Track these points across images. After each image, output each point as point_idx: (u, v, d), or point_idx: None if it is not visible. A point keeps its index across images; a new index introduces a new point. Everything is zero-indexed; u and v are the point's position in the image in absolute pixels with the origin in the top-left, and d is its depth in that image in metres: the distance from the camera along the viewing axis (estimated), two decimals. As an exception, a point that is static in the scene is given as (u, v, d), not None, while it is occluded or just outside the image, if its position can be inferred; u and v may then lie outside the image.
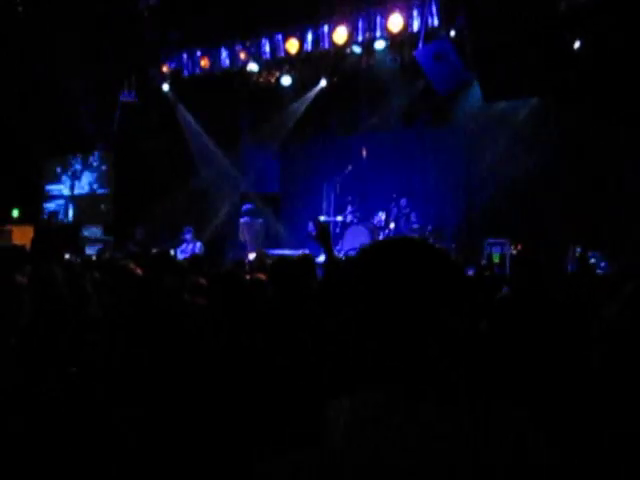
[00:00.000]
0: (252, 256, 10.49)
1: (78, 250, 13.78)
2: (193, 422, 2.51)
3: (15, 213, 17.73)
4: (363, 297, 1.29)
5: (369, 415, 1.22)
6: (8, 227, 16.87)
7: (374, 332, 1.27)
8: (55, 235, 14.98)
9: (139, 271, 5.77)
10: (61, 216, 17.91)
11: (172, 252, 13.53)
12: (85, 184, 18.06)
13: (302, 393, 2.75)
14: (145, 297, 3.26)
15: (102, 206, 17.62)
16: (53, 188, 18.43)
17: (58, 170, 18.34)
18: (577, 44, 11.07)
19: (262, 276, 4.49)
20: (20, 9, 13.93)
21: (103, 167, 17.64)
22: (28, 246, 13.81)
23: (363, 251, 1.39)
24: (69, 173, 18.23)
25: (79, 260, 9.21)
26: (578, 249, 9.81)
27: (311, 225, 13.51)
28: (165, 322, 2.87)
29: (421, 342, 1.25)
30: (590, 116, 11.55)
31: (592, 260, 10.36)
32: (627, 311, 3.09)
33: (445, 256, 1.35)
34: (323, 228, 4.39)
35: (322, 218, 13.62)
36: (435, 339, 1.25)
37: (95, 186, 17.91)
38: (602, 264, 10.31)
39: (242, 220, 14.45)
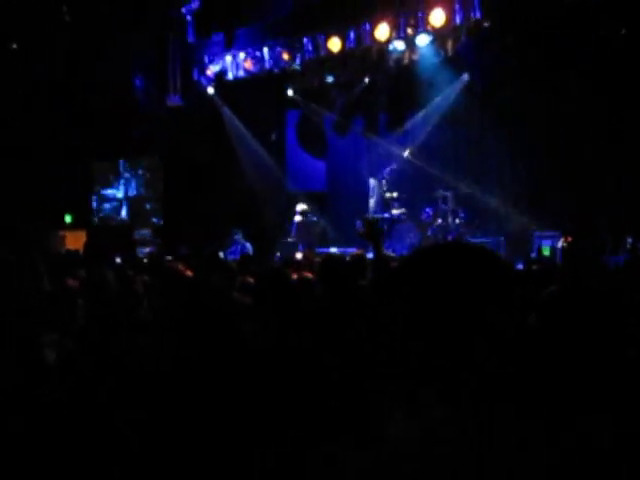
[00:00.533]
0: (300, 255, 10.53)
1: (131, 253, 14.00)
2: (244, 422, 2.55)
3: (68, 219, 18.09)
4: (410, 297, 1.31)
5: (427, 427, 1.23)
6: (61, 232, 17.24)
7: (420, 332, 1.28)
8: (108, 238, 15.27)
9: (188, 273, 5.88)
10: (114, 218, 18.25)
11: (221, 254, 13.67)
12: (135, 187, 18.35)
13: (350, 393, 2.78)
14: (194, 298, 3.32)
15: (149, 208, 17.87)
16: (105, 192, 18.75)
17: (109, 174, 18.66)
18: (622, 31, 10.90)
19: (309, 275, 4.53)
20: (67, 18, 14.20)
21: (152, 170, 17.89)
22: (81, 250, 14.11)
23: (413, 253, 1.42)
24: (120, 177, 18.54)
25: (131, 263, 9.35)
26: (630, 239, 9.64)
27: (359, 223, 13.54)
28: (214, 322, 2.92)
29: (468, 342, 1.26)
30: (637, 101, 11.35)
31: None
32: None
33: (494, 257, 1.36)
34: (372, 225, 4.38)
35: (369, 216, 13.61)
36: (483, 339, 1.26)
37: (144, 189, 18.19)
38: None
39: (296, 219, 14.39)
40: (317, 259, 6.13)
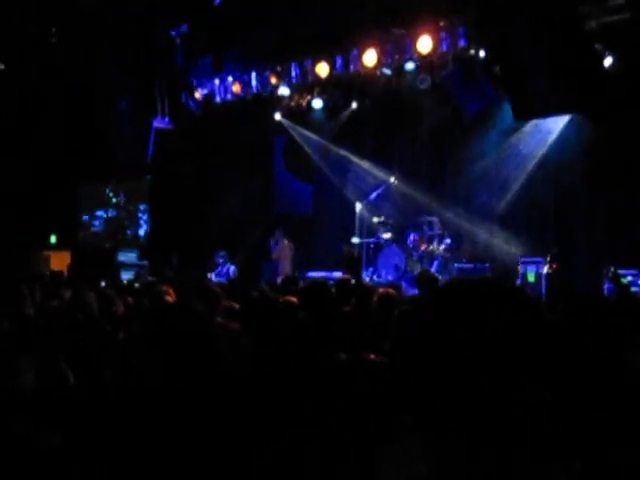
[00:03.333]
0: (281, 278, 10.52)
1: (113, 276, 13.94)
2: (222, 452, 2.52)
3: (53, 239, 18.02)
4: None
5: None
6: (46, 253, 17.17)
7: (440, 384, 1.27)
8: (92, 260, 15.20)
9: (171, 297, 5.86)
10: (97, 241, 18.17)
11: (207, 276, 13.66)
12: (121, 209, 18.30)
13: (328, 426, 2.77)
14: (176, 322, 3.29)
15: (138, 231, 17.83)
16: (91, 214, 18.69)
17: (95, 196, 18.61)
18: (608, 61, 11.00)
19: (293, 299, 4.52)
20: (55, 39, 14.23)
21: (139, 192, 17.86)
22: (65, 271, 14.05)
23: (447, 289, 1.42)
24: (106, 199, 18.50)
25: (113, 285, 9.33)
26: (612, 268, 9.70)
27: (344, 247, 13.57)
28: (195, 348, 2.90)
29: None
30: (621, 132, 11.46)
31: (628, 278, 10.24)
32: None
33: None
34: (350, 257, 4.43)
35: (355, 239, 13.63)
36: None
37: (131, 211, 18.14)
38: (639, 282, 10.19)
39: (277, 243, 14.50)
40: (300, 283, 6.10)
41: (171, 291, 5.72)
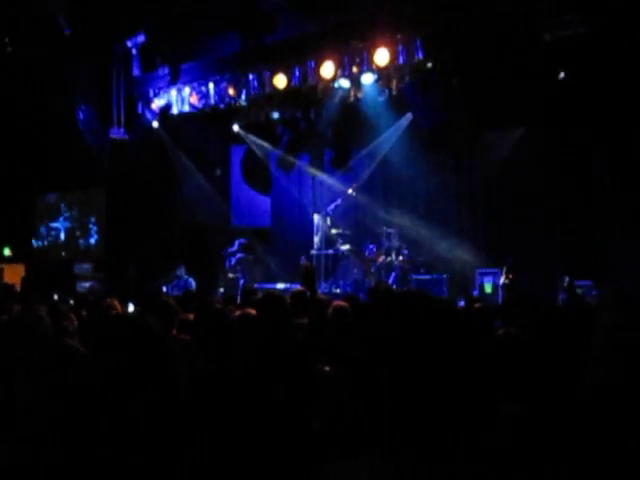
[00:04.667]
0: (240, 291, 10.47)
1: (69, 288, 13.71)
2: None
3: (6, 251, 17.68)
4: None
5: None
6: (-1, 266, 16.83)
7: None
8: (46, 272, 14.94)
9: (117, 309, 5.78)
10: (53, 253, 17.87)
11: (164, 288, 13.53)
12: (77, 220, 18.02)
13: (280, 439, 2.74)
14: (128, 335, 3.22)
15: (93, 243, 17.57)
16: (46, 225, 18.37)
17: (51, 207, 18.30)
18: (562, 74, 11.17)
19: (252, 311, 4.46)
20: (9, 49, 14.00)
21: (96, 203, 17.60)
22: (18, 285, 13.77)
23: (379, 300, 1.40)
24: (62, 210, 18.20)
25: (68, 299, 9.17)
26: (567, 278, 9.82)
27: (303, 259, 13.55)
28: (148, 362, 2.84)
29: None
30: (576, 144, 11.65)
31: (582, 289, 10.40)
32: (608, 342, 3.09)
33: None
34: (307, 271, 4.42)
35: (313, 251, 13.63)
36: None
37: (87, 222, 17.88)
38: (593, 292, 10.32)
39: (235, 255, 14.46)
40: (258, 295, 6.04)
41: (116, 303, 5.67)
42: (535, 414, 2.52)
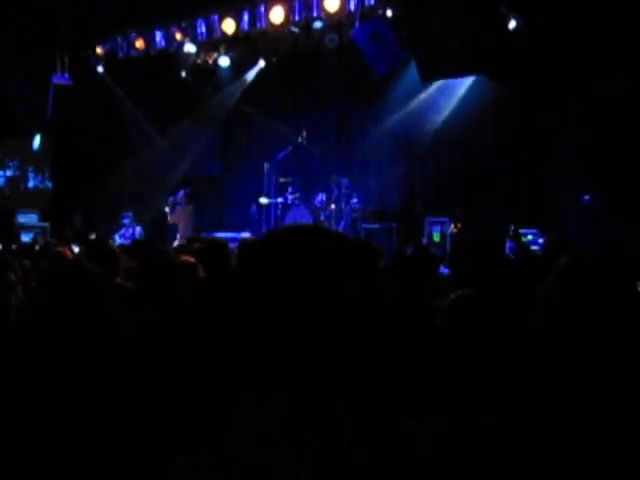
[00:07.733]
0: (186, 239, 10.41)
1: (12, 237, 13.43)
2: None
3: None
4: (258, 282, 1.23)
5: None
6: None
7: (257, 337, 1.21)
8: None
9: (70, 257, 5.67)
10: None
11: (111, 237, 13.36)
12: (21, 169, 17.59)
13: (211, 389, 2.75)
14: (72, 283, 3.17)
15: (38, 191, 17.20)
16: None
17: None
18: (512, 23, 11.16)
19: (191, 259, 4.43)
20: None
21: (39, 151, 17.17)
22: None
23: (265, 237, 1.33)
24: (4, 158, 17.72)
25: (12, 247, 9.00)
26: (512, 227, 9.97)
27: (254, 207, 13.48)
28: (91, 308, 2.81)
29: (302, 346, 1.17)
30: (525, 93, 11.71)
31: (529, 237, 10.58)
32: (560, 285, 3.13)
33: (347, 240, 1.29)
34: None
35: (263, 200, 13.56)
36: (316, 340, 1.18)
37: (31, 171, 17.47)
38: (539, 240, 10.49)
39: (176, 205, 14.34)
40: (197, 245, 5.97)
41: (67, 252, 5.54)
42: (484, 371, 2.54)
